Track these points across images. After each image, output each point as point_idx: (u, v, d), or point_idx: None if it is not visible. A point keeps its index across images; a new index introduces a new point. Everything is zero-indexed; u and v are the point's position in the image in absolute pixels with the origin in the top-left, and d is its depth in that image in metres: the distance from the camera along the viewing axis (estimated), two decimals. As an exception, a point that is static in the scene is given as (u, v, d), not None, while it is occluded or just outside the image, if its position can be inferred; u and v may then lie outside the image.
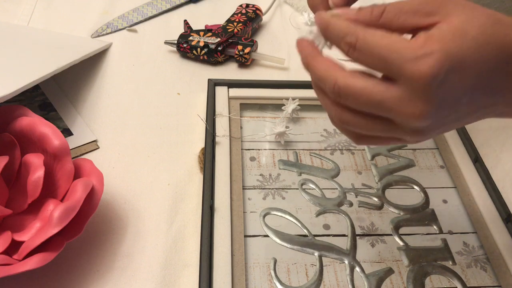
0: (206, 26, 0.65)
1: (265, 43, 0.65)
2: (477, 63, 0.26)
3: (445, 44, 0.26)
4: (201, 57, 0.60)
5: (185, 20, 0.65)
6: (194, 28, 0.64)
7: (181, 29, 0.65)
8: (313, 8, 0.32)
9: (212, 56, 0.60)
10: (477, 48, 0.26)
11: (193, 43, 0.60)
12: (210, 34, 0.61)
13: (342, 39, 0.29)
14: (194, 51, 0.60)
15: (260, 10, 0.67)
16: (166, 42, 0.62)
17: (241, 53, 0.59)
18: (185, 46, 0.60)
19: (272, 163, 0.48)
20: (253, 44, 0.60)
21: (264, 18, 0.69)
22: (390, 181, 0.48)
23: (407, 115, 0.27)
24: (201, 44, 0.59)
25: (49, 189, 0.40)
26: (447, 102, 0.27)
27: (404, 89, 0.26)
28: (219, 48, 0.59)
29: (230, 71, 0.60)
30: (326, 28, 0.30)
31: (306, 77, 0.60)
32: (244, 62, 0.60)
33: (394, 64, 0.26)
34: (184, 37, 0.61)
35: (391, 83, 0.27)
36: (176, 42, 0.61)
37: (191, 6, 0.72)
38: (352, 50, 0.29)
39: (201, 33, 0.61)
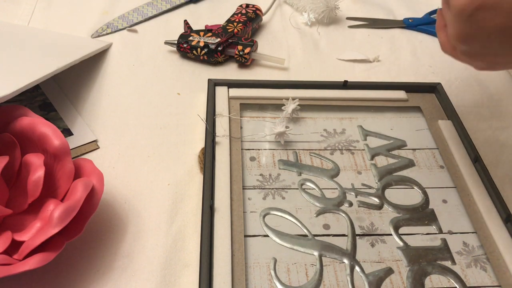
0: (206, 26, 0.65)
1: (265, 43, 0.65)
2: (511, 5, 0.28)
3: None
4: (201, 57, 0.60)
5: (185, 20, 0.65)
6: (194, 28, 0.64)
7: (181, 29, 0.65)
8: None
9: (212, 56, 0.60)
10: None
11: (193, 43, 0.60)
12: (210, 34, 0.61)
13: None
14: (194, 51, 0.60)
15: (260, 10, 0.67)
16: (166, 42, 0.62)
17: (241, 53, 0.59)
18: (185, 46, 0.60)
19: (272, 163, 0.48)
20: (253, 44, 0.60)
21: (264, 18, 0.69)
22: (390, 181, 0.48)
23: (452, 35, 0.33)
24: (201, 44, 0.59)
25: (49, 189, 0.40)
26: (476, 34, 0.30)
27: (451, 13, 0.32)
28: (219, 48, 0.59)
29: (230, 71, 0.60)
30: None
31: (306, 77, 0.61)
32: (244, 62, 0.60)
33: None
34: (184, 37, 0.61)
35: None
36: (176, 42, 0.61)
37: (191, 6, 0.72)
38: None
39: (201, 33, 0.61)
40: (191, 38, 0.60)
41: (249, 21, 0.64)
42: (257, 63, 0.62)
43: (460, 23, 0.31)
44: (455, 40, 0.33)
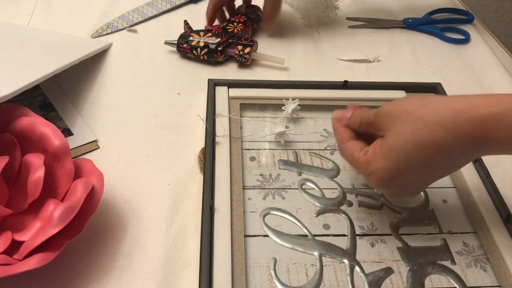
0: (206, 26, 0.65)
1: (265, 44, 0.65)
2: (409, 167, 0.35)
3: (383, 163, 0.36)
4: (201, 57, 0.60)
5: (185, 21, 0.65)
6: (194, 28, 0.64)
7: (181, 29, 0.65)
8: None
9: (212, 56, 0.60)
10: (406, 158, 0.35)
11: (193, 43, 0.60)
12: (210, 34, 0.61)
13: (338, 143, 0.42)
14: (194, 51, 0.60)
15: (260, 11, 0.67)
16: (166, 42, 0.62)
17: (241, 53, 0.59)
18: (185, 46, 0.60)
19: (272, 163, 0.48)
20: (253, 44, 0.60)
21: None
22: (390, 181, 0.48)
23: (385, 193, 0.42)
24: (201, 44, 0.59)
25: (49, 189, 0.40)
26: (399, 188, 0.38)
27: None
28: (219, 48, 0.59)
29: (230, 71, 0.60)
30: (333, 128, 0.43)
31: (306, 77, 0.61)
32: (244, 62, 0.60)
33: (354, 166, 0.40)
34: (184, 37, 0.61)
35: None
36: (176, 42, 0.61)
37: (191, 6, 0.72)
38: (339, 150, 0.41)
39: (201, 33, 0.61)
40: (191, 38, 0.60)
41: (249, 21, 0.64)
42: (257, 63, 0.62)
43: (382, 188, 0.38)
44: (386, 195, 0.42)
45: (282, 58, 0.60)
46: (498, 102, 0.33)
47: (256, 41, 0.61)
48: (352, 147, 0.39)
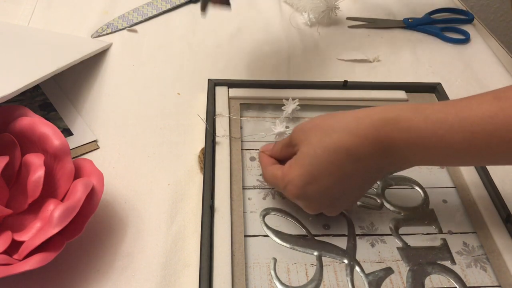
0: None
1: (265, 44, 0.65)
2: (322, 172, 0.37)
3: (297, 170, 0.38)
4: None
5: None
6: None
7: (181, 29, 0.65)
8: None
9: None
10: (318, 162, 0.37)
11: None
12: None
13: (262, 170, 0.44)
14: None
15: None
16: None
17: None
18: None
19: (272, 163, 0.48)
20: None
21: (264, 18, 0.69)
22: (390, 181, 0.48)
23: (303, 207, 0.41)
24: None
25: (49, 189, 0.40)
26: (316, 199, 0.39)
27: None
28: None
29: (231, 71, 0.60)
30: (259, 160, 0.46)
31: (306, 77, 0.61)
32: None
33: (276, 185, 0.41)
34: None
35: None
36: None
37: (191, 6, 0.72)
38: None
39: None
40: None
41: None
42: (259, 62, 0.62)
43: (299, 199, 0.40)
44: (305, 209, 0.41)
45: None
46: (393, 108, 0.36)
47: None
48: (273, 168, 0.42)
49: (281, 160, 0.43)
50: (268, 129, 0.52)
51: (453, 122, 0.34)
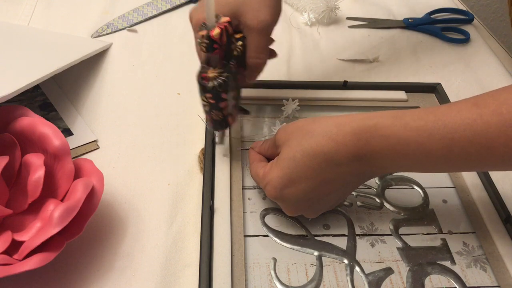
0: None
1: (265, 43, 0.65)
2: (299, 175, 0.37)
3: (277, 172, 0.38)
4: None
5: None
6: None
7: (181, 30, 0.65)
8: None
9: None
10: (296, 165, 0.37)
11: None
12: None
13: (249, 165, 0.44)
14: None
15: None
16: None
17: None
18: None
19: (272, 163, 0.48)
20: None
21: (264, 18, 0.69)
22: (390, 181, 0.48)
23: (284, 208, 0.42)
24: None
25: (50, 189, 0.40)
26: (294, 201, 0.39)
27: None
28: None
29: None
30: (248, 155, 0.45)
31: (306, 77, 0.61)
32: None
33: (258, 183, 0.42)
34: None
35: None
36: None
37: (191, 6, 0.72)
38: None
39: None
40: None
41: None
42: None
43: (277, 200, 0.40)
44: (284, 210, 0.42)
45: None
46: (373, 116, 0.36)
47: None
48: (257, 165, 0.42)
49: (269, 158, 0.43)
50: (268, 129, 0.52)
51: (432, 129, 0.34)
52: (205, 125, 0.49)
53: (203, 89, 0.40)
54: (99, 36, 0.64)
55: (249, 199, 0.45)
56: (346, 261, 0.41)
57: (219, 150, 0.47)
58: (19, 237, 0.37)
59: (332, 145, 0.36)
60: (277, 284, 0.39)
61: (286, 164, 0.38)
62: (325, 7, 0.69)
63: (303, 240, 0.42)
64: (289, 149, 0.38)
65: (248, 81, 0.45)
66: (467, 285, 0.40)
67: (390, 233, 0.43)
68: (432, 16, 0.73)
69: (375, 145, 0.36)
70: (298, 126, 0.39)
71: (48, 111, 0.52)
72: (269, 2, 0.41)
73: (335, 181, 0.38)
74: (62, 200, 0.40)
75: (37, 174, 0.38)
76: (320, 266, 0.40)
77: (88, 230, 0.41)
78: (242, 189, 0.45)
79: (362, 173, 0.38)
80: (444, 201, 0.46)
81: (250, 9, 0.40)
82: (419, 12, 0.74)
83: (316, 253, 0.41)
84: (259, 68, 0.44)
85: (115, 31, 0.65)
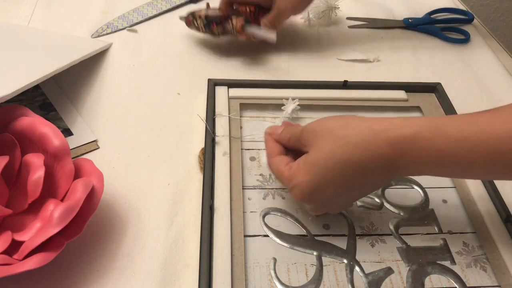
0: None
1: (265, 43, 0.65)
2: (329, 182, 0.36)
3: (305, 177, 0.37)
4: (200, 29, 0.61)
5: (207, 3, 0.64)
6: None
7: (180, 30, 0.65)
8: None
9: (208, 27, 0.60)
10: (326, 173, 0.36)
11: (196, 13, 0.60)
12: (217, 10, 0.60)
13: (267, 156, 0.43)
14: (195, 22, 0.60)
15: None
16: (181, 18, 0.63)
17: (232, 24, 0.59)
18: (190, 19, 0.61)
19: (272, 163, 0.48)
20: (245, 18, 0.59)
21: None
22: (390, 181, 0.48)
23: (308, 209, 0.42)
24: (202, 15, 0.60)
25: (49, 189, 0.40)
26: (320, 203, 0.39)
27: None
28: (216, 20, 0.59)
29: (231, 71, 0.60)
30: (264, 142, 0.44)
31: (306, 77, 0.61)
32: (236, 35, 0.59)
33: (279, 180, 0.41)
34: (193, 13, 0.61)
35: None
36: (185, 16, 0.62)
37: (191, 6, 0.72)
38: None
39: (209, 8, 0.61)
40: (197, 10, 0.61)
41: (259, 10, 0.62)
42: (259, 62, 0.62)
43: (304, 201, 0.39)
44: (309, 210, 0.41)
45: (273, 35, 0.59)
46: (412, 124, 0.35)
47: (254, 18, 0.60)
48: (279, 161, 0.40)
49: (288, 149, 0.42)
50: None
51: (476, 141, 0.33)
52: (205, 125, 0.49)
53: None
54: (99, 36, 0.64)
55: (249, 199, 0.45)
56: (346, 261, 0.41)
57: (219, 150, 0.47)
58: (19, 237, 0.37)
59: (367, 155, 0.35)
60: (277, 284, 0.39)
61: (317, 170, 0.37)
62: (325, 7, 0.69)
63: (303, 240, 0.42)
64: (320, 154, 0.37)
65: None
66: (467, 285, 0.40)
67: (390, 233, 0.43)
68: (432, 16, 0.73)
69: (412, 155, 0.35)
70: (329, 128, 0.37)
71: (48, 111, 0.52)
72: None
73: (365, 185, 0.38)
74: (62, 200, 0.40)
75: (37, 174, 0.38)
76: (320, 266, 0.40)
77: (88, 230, 0.41)
78: (242, 189, 0.45)
79: (393, 176, 0.39)
80: (444, 201, 0.46)
81: None
82: (419, 12, 0.74)
83: (316, 253, 0.41)
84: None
85: (115, 31, 0.65)
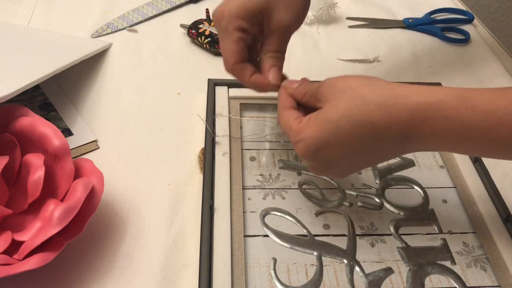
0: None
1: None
2: (338, 142, 0.34)
3: (314, 132, 0.35)
4: (204, 45, 0.62)
5: (207, 9, 0.66)
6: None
7: (180, 30, 0.65)
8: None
9: (213, 46, 0.61)
10: (338, 131, 0.34)
11: (200, 30, 0.62)
12: None
13: (278, 109, 0.40)
14: (199, 39, 0.62)
15: None
16: (181, 25, 0.64)
17: None
18: (193, 32, 0.63)
19: (272, 163, 0.48)
20: None
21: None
22: (390, 181, 0.48)
23: (308, 167, 0.39)
24: (207, 33, 0.61)
25: (50, 189, 0.40)
26: (323, 163, 0.37)
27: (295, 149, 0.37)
28: None
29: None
30: (278, 95, 0.41)
31: (306, 77, 0.60)
32: None
33: (287, 133, 0.38)
34: (195, 24, 0.63)
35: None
36: (188, 26, 0.63)
37: (191, 6, 0.72)
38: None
39: (212, 24, 0.62)
40: (201, 25, 0.62)
41: None
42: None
43: (306, 160, 0.37)
44: (310, 169, 0.39)
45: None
46: (438, 91, 0.33)
47: None
48: (290, 114, 0.38)
49: (302, 105, 0.39)
50: (268, 129, 0.52)
51: (504, 115, 0.31)
52: (205, 125, 0.49)
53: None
54: (99, 36, 0.64)
55: (249, 199, 0.45)
56: (346, 261, 0.41)
57: (219, 150, 0.47)
58: (19, 237, 0.37)
59: (385, 119, 0.33)
60: (277, 284, 0.39)
61: (328, 126, 0.34)
62: (323, 4, 0.69)
63: (303, 240, 0.42)
64: (335, 110, 0.34)
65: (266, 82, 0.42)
66: (467, 285, 0.40)
67: (390, 233, 0.43)
68: (432, 16, 0.73)
69: (434, 125, 0.32)
70: (350, 85, 0.35)
71: (48, 111, 0.52)
72: (295, 5, 0.40)
73: (374, 152, 0.35)
74: (62, 200, 0.40)
75: (37, 174, 0.38)
76: (320, 266, 0.40)
77: (88, 230, 0.41)
78: (242, 189, 0.45)
79: (405, 150, 0.36)
80: (444, 201, 0.46)
81: (281, 7, 0.40)
82: (419, 12, 0.74)
83: (316, 253, 0.41)
84: (276, 66, 0.42)
85: (115, 31, 0.65)
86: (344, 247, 0.42)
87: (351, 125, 0.33)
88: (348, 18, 0.72)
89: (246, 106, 0.54)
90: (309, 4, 0.44)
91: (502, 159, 0.39)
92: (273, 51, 0.41)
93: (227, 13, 0.39)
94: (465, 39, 0.69)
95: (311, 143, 0.35)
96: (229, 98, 0.53)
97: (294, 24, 0.42)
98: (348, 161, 0.36)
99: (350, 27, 0.71)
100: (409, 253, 0.42)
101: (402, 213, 0.45)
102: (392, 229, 0.44)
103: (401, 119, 0.33)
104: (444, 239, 0.43)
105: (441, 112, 0.32)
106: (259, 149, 0.50)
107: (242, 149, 0.49)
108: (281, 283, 0.39)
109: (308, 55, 0.65)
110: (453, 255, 0.42)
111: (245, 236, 0.42)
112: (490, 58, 0.66)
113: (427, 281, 0.40)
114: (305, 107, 0.39)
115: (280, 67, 0.42)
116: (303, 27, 0.70)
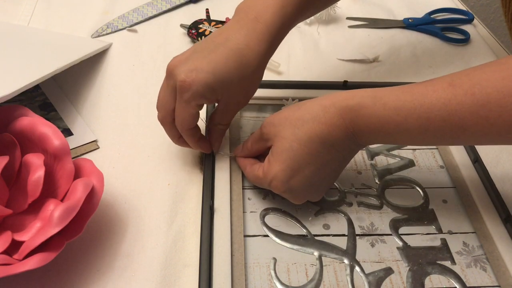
0: (226, 19, 0.65)
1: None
2: (301, 164, 0.38)
3: (278, 166, 0.39)
4: None
5: (207, 9, 0.66)
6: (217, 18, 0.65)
7: (180, 30, 0.65)
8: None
9: None
10: (295, 155, 0.38)
11: (200, 30, 0.62)
12: (220, 25, 0.61)
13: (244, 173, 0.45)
14: (199, 39, 0.62)
15: None
16: (182, 25, 0.64)
17: None
18: (193, 32, 0.63)
19: (272, 163, 0.48)
20: None
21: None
22: (390, 181, 0.48)
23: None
24: (207, 33, 0.61)
25: (50, 189, 0.40)
26: (301, 189, 0.40)
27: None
28: None
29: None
30: (238, 163, 0.46)
31: (306, 77, 0.61)
32: None
33: (260, 184, 0.42)
34: (195, 24, 0.63)
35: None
36: (188, 26, 0.63)
37: (191, 6, 0.72)
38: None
39: (213, 23, 0.62)
40: (201, 25, 0.62)
41: None
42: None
43: (288, 195, 0.41)
44: (293, 201, 0.42)
45: (277, 62, 0.60)
46: (354, 95, 0.38)
47: None
48: (252, 168, 0.42)
49: (257, 156, 0.44)
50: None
51: (410, 109, 0.36)
52: (205, 125, 0.49)
53: None
54: (99, 36, 0.64)
55: (249, 199, 0.45)
56: (346, 261, 0.41)
57: (219, 150, 0.47)
58: (19, 237, 0.37)
59: (324, 128, 0.38)
60: (277, 284, 0.39)
61: (285, 155, 0.38)
62: (325, 6, 0.69)
63: (303, 240, 0.42)
64: (284, 140, 0.39)
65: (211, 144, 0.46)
66: (467, 285, 0.40)
67: (390, 233, 0.43)
68: (432, 16, 0.73)
69: (359, 123, 0.38)
70: (285, 116, 0.40)
71: (48, 111, 0.52)
72: (247, 88, 0.43)
73: (333, 160, 0.40)
74: (62, 200, 0.40)
75: (37, 174, 0.38)
76: (320, 266, 0.40)
77: (88, 230, 0.41)
78: (242, 189, 0.45)
79: (353, 149, 0.40)
80: (444, 201, 0.46)
81: (241, 91, 0.42)
82: (419, 12, 0.74)
83: (316, 253, 0.41)
84: (217, 134, 0.45)
85: (115, 31, 0.65)
86: (344, 247, 0.42)
87: (302, 145, 0.38)
88: (348, 18, 0.72)
89: (246, 106, 0.53)
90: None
91: (428, 145, 0.45)
92: (224, 124, 0.45)
93: (194, 88, 0.39)
94: (465, 39, 0.69)
95: (281, 176, 0.39)
96: (229, 98, 0.53)
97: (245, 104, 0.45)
98: (319, 178, 0.40)
99: (350, 27, 0.71)
100: (409, 253, 0.42)
101: (402, 213, 0.45)
102: (392, 229, 0.44)
103: (335, 124, 0.38)
104: (444, 239, 0.43)
105: (360, 111, 0.37)
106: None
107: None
108: (281, 283, 0.39)
109: (308, 55, 0.65)
110: (453, 255, 0.42)
111: (245, 236, 0.42)
112: (490, 58, 0.66)
113: (427, 281, 0.40)
114: (261, 154, 0.43)
115: (223, 137, 0.46)
116: (303, 27, 0.70)
